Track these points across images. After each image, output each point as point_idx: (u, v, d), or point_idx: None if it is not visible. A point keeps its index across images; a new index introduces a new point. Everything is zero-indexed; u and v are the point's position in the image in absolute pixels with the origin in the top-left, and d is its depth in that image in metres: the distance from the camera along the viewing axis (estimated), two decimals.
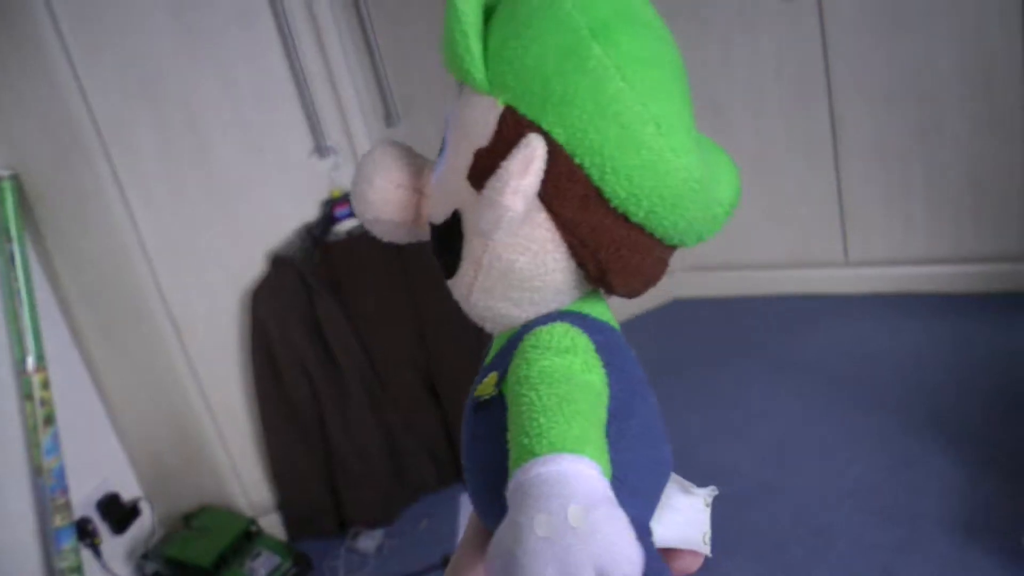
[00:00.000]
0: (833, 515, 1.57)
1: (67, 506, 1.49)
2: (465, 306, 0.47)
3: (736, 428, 1.88)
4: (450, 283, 0.47)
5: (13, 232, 1.45)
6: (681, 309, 2.53)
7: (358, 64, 1.90)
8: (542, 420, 0.38)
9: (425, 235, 0.50)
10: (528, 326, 0.45)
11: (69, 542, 1.48)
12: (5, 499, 1.47)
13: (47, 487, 1.47)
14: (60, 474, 1.48)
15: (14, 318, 1.45)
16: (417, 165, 0.51)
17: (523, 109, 0.44)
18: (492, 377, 0.45)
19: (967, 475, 1.56)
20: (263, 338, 1.75)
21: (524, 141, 0.43)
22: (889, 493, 1.58)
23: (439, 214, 0.46)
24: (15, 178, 1.49)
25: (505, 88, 0.44)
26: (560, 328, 0.44)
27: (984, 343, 1.91)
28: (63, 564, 1.46)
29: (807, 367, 2.03)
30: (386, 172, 0.49)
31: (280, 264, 1.74)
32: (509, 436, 0.39)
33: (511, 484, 0.35)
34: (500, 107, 0.44)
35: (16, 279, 1.45)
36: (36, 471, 1.48)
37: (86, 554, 1.56)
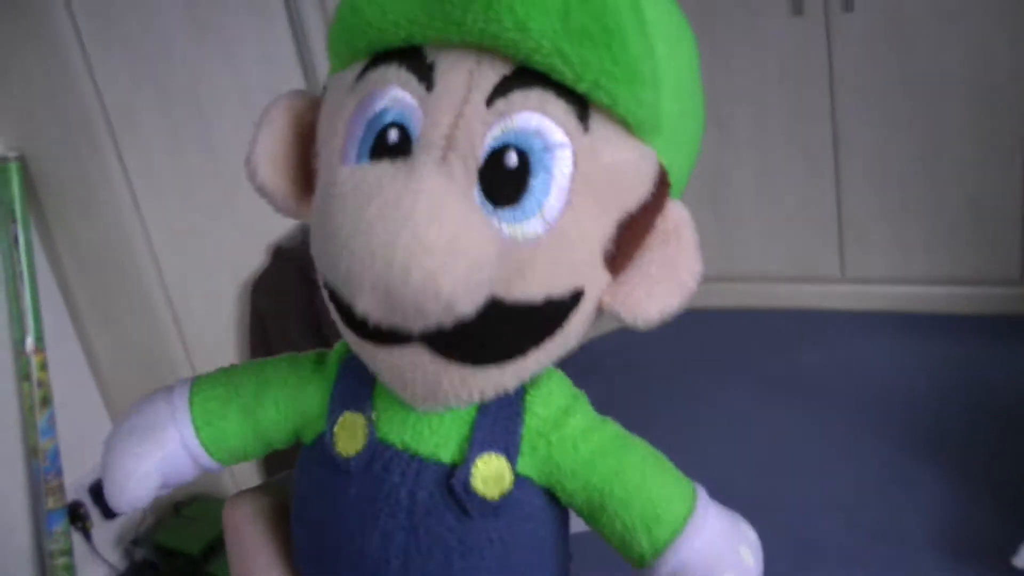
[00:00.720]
0: (822, 531, 1.57)
1: (60, 489, 1.50)
2: (472, 395, 0.37)
3: (726, 441, 1.89)
4: (479, 372, 0.36)
5: (18, 214, 1.46)
6: (674, 320, 2.51)
7: None
8: (665, 488, 0.40)
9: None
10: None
11: (60, 525, 1.49)
12: (1, 479, 1.48)
13: (41, 469, 1.48)
14: (55, 456, 1.49)
15: (15, 299, 1.46)
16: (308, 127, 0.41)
17: (663, 157, 0.36)
18: (494, 464, 0.39)
19: (958, 495, 1.57)
20: (261, 330, 1.76)
21: (681, 218, 0.37)
22: (879, 511, 1.59)
23: (542, 288, 0.35)
24: (21, 160, 1.50)
25: (654, 132, 0.36)
26: (558, 378, 0.41)
27: (980, 365, 1.92)
28: (54, 546, 1.47)
29: (801, 382, 2.04)
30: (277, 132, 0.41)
31: (282, 257, 1.75)
32: (625, 514, 0.39)
33: (679, 556, 0.39)
34: (658, 162, 0.36)
35: (19, 261, 1.46)
36: (31, 452, 1.49)
37: (76, 537, 1.56)
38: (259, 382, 0.43)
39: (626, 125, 0.34)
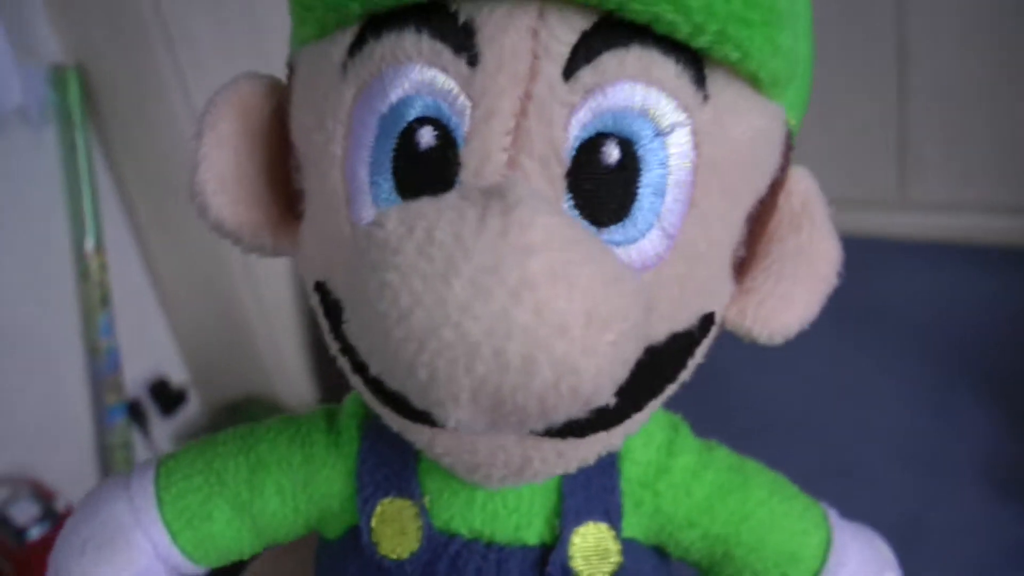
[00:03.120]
0: (864, 457, 1.57)
1: (119, 385, 1.55)
2: (569, 468, 0.28)
3: (771, 362, 1.88)
4: (582, 442, 0.27)
5: (76, 119, 1.48)
6: None
7: None
8: (797, 521, 0.35)
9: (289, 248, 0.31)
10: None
11: (120, 419, 1.54)
12: (62, 375, 1.54)
13: (101, 366, 1.53)
14: (114, 355, 1.54)
15: (75, 203, 1.49)
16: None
17: (790, 115, 0.28)
18: (594, 535, 0.30)
19: (1008, 432, 1.55)
20: None
21: (809, 191, 0.30)
22: (924, 442, 1.58)
23: (667, 324, 0.26)
24: (80, 67, 1.51)
25: (787, 87, 0.26)
26: (660, 416, 0.33)
27: None
28: (114, 439, 1.53)
29: (853, 308, 2.00)
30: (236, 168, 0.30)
31: None
32: (756, 560, 0.32)
33: None
34: (786, 122, 0.27)
35: (78, 165, 1.48)
36: (91, 351, 1.54)
37: (135, 435, 1.62)
38: (251, 465, 0.33)
39: (755, 82, 0.25)
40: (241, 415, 1.74)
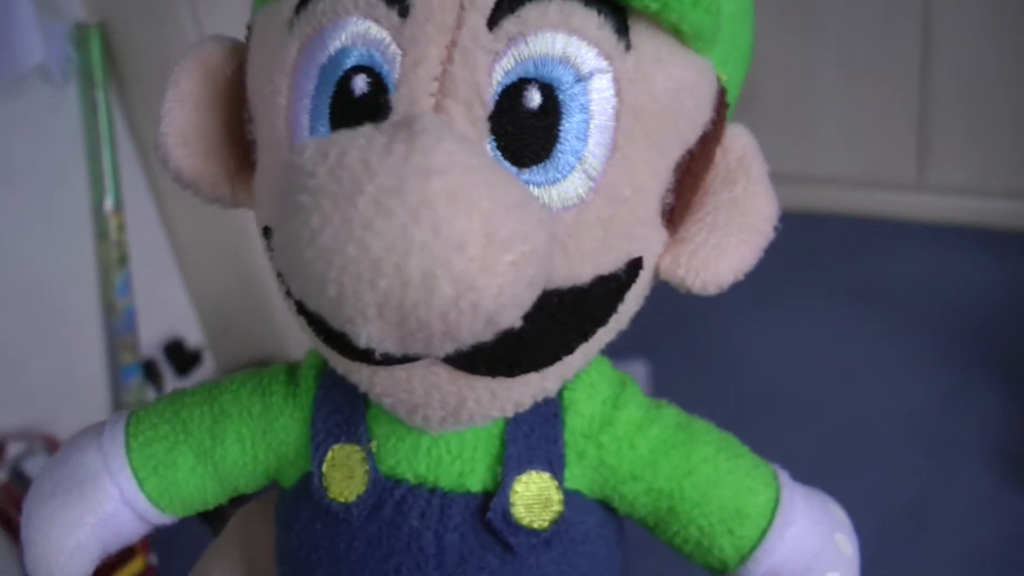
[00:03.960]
0: (874, 436, 1.57)
1: (135, 345, 1.56)
2: (504, 410, 0.30)
3: (790, 345, 1.88)
4: (514, 383, 0.28)
5: (98, 79, 1.48)
6: None
7: None
8: (744, 479, 0.34)
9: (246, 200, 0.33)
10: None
11: (136, 378, 1.56)
12: (78, 333, 1.55)
13: (117, 325, 1.54)
14: (130, 314, 1.55)
15: (96, 161, 1.50)
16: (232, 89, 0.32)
17: (720, 70, 0.28)
18: (537, 484, 0.30)
19: (1021, 416, 1.55)
20: None
21: (746, 147, 0.30)
22: (936, 423, 1.58)
23: (591, 266, 0.27)
24: (102, 26, 1.51)
25: (712, 41, 0.27)
26: (598, 363, 0.33)
27: None
28: (128, 398, 1.55)
29: (868, 289, 2.00)
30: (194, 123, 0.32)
31: None
32: (701, 516, 0.32)
33: (778, 543, 0.33)
34: (716, 77, 0.28)
35: (99, 125, 1.49)
36: (108, 309, 1.55)
37: (150, 394, 1.64)
38: (214, 414, 0.35)
39: (678, 35, 0.26)
40: None
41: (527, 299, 0.24)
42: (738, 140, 0.30)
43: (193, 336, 1.79)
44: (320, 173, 0.22)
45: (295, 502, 0.34)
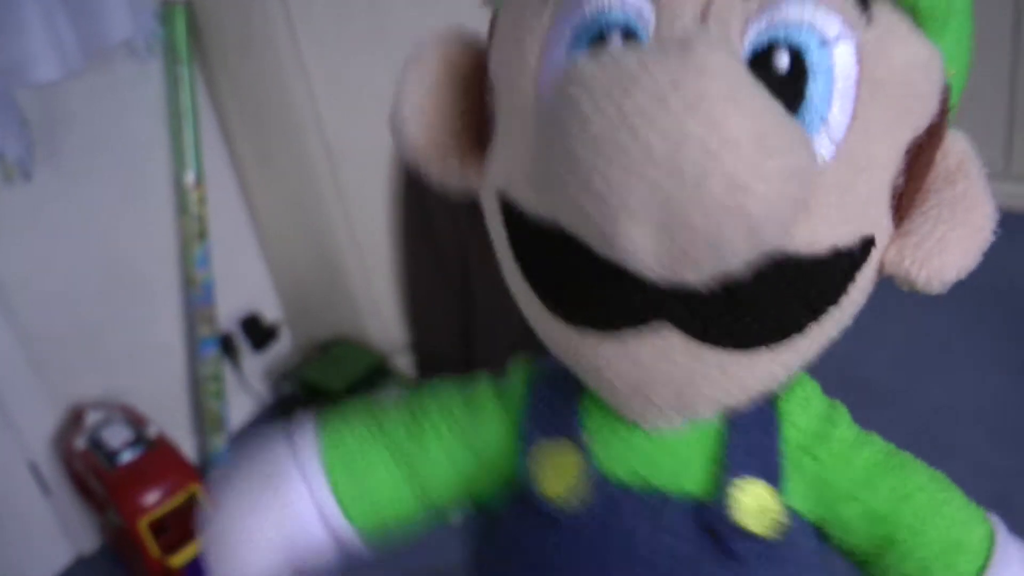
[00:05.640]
0: (955, 432, 1.52)
1: (213, 318, 1.58)
2: (731, 395, 0.29)
3: (867, 337, 1.82)
4: (745, 359, 0.28)
5: (182, 54, 1.49)
6: None
7: None
8: (959, 511, 0.33)
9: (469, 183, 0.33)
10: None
11: (213, 351, 1.58)
12: (159, 304, 1.57)
13: (196, 298, 1.56)
14: (209, 287, 1.57)
15: (178, 136, 1.51)
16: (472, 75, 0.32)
17: (948, 63, 0.29)
18: (754, 491, 0.29)
19: None
20: (414, 178, 1.76)
21: (965, 152, 0.31)
22: (1018, 419, 1.52)
23: (830, 233, 0.27)
24: (188, 4, 1.53)
25: (944, 25, 0.27)
26: (808, 381, 0.33)
27: None
28: (206, 371, 1.57)
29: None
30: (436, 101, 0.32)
31: None
32: (919, 546, 0.31)
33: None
34: (944, 71, 0.29)
35: (182, 99, 1.50)
36: (187, 282, 1.57)
37: (227, 368, 1.66)
38: (412, 412, 0.34)
39: (914, 14, 0.26)
40: (331, 354, 1.76)
41: (788, 216, 0.23)
42: (957, 144, 0.31)
43: (270, 311, 1.80)
44: (593, 71, 0.22)
45: (497, 508, 0.33)
